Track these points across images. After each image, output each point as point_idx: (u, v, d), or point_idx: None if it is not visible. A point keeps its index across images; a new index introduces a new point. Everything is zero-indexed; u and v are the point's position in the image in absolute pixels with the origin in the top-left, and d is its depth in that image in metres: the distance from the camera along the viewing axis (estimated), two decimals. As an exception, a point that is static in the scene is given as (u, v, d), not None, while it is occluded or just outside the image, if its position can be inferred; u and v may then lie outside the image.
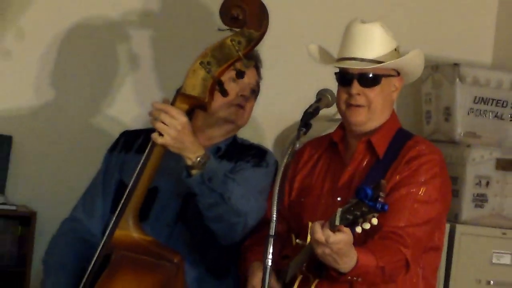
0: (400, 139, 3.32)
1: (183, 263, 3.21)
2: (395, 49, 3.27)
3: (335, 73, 3.29)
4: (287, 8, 4.89)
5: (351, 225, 2.72)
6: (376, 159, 3.26)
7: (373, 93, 3.23)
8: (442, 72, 4.63)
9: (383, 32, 3.26)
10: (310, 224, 3.00)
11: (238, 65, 3.26)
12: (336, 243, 2.78)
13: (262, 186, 3.47)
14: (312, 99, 3.13)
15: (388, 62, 3.21)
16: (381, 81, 3.24)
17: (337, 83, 3.27)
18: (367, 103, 3.23)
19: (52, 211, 4.13)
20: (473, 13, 5.22)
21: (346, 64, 3.24)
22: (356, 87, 3.20)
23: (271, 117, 4.80)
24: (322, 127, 4.01)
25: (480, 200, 4.53)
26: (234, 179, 3.34)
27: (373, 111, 3.26)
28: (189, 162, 3.17)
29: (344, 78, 3.23)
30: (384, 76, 3.23)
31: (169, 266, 3.20)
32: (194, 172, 3.17)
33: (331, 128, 3.60)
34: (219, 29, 3.24)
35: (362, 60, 3.22)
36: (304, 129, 3.03)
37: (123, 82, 4.72)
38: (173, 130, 3.14)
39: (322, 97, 3.17)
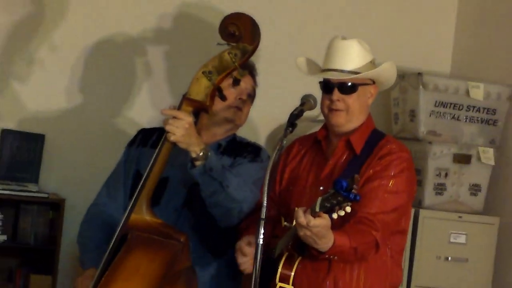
0: (374, 138, 3.38)
1: (188, 242, 3.26)
2: (371, 62, 3.33)
3: (319, 82, 3.35)
4: (279, 26, 4.96)
5: (329, 211, 2.80)
6: (354, 155, 3.31)
7: (351, 99, 3.29)
8: (408, 80, 4.70)
9: (360, 47, 3.33)
10: (296, 209, 3.01)
11: (235, 73, 3.33)
12: (315, 227, 2.86)
13: (257, 178, 3.50)
14: (297, 103, 3.22)
15: (363, 74, 3.28)
16: (358, 89, 3.30)
17: (320, 91, 3.34)
18: (346, 108, 3.29)
19: (79, 198, 4.22)
20: (434, 29, 5.28)
21: (328, 75, 3.31)
22: (336, 94, 3.26)
23: (264, 118, 4.86)
24: (307, 127, 4.12)
25: (439, 188, 4.62)
26: (231, 171, 3.40)
27: (351, 115, 3.31)
28: (193, 155, 3.23)
29: (327, 86, 3.30)
30: (360, 85, 3.30)
31: (176, 244, 3.24)
32: (197, 163, 3.24)
33: (315, 128, 3.70)
34: (218, 44, 3.31)
35: (342, 71, 3.28)
36: (290, 129, 3.11)
37: (140, 89, 4.79)
38: (182, 129, 3.21)
39: (305, 101, 3.24)
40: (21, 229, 4.50)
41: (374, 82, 3.37)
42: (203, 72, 3.29)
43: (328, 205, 2.77)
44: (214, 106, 3.43)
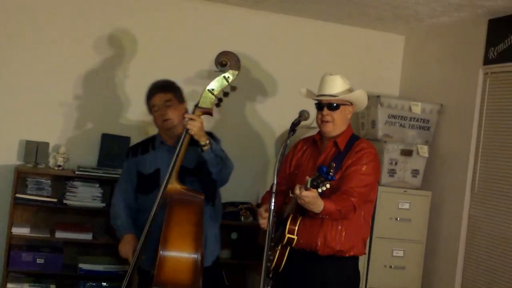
0: (353, 140, 3.48)
1: (204, 198, 3.45)
2: (349, 89, 3.47)
3: (315, 104, 3.50)
4: (285, 63, 5.10)
5: (316, 187, 2.95)
6: (339, 151, 3.44)
7: (336, 114, 3.44)
8: (371, 100, 4.45)
9: (341, 80, 3.47)
10: (296, 186, 3.16)
11: (228, 88, 3.49)
12: (306, 197, 3.04)
13: (225, 151, 3.60)
14: (296, 116, 3.31)
15: (341, 96, 3.42)
16: (340, 108, 3.44)
17: (314, 108, 3.48)
18: (332, 120, 3.44)
19: None
20: (388, 66, 5.39)
21: (321, 98, 3.46)
22: (325, 111, 3.44)
23: (275, 126, 5.04)
24: (304, 131, 4.30)
25: (391, 172, 4.75)
26: (223, 150, 3.54)
27: (336, 124, 3.45)
28: (202, 143, 3.41)
29: (319, 106, 3.47)
30: (342, 105, 3.44)
31: (199, 200, 3.42)
32: (205, 148, 3.41)
33: (309, 132, 3.90)
34: (215, 71, 3.49)
35: (330, 96, 3.43)
36: (292, 133, 3.25)
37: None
38: (197, 127, 3.38)
39: (302, 114, 3.31)
40: None
41: (351, 104, 3.49)
42: (208, 90, 3.46)
43: (315, 183, 2.93)
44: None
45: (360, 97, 3.52)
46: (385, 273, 4.71)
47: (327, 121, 3.46)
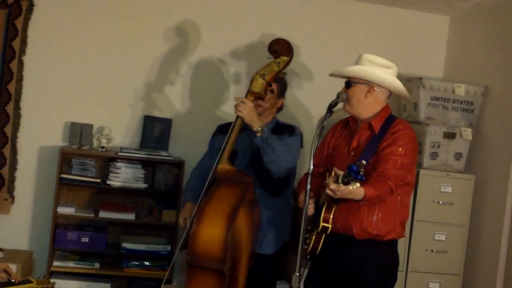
0: (389, 121, 3.38)
1: (253, 181, 3.55)
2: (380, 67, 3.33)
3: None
4: (326, 45, 5.10)
5: (346, 184, 2.89)
6: (373, 133, 3.35)
7: (350, 92, 3.34)
8: (412, 82, 4.77)
9: (367, 58, 3.34)
10: (327, 179, 3.10)
11: (278, 74, 3.67)
12: (339, 191, 2.97)
13: (294, 146, 3.74)
14: (334, 97, 3.33)
15: (337, 71, 3.38)
16: (353, 86, 3.34)
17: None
18: (347, 98, 3.36)
19: (193, 161, 4.24)
20: (432, 47, 5.28)
21: (333, 74, 3.42)
22: (343, 89, 3.38)
23: (315, 108, 5.00)
24: (345, 113, 4.10)
25: (434, 155, 4.70)
26: (279, 140, 3.61)
27: (350, 104, 3.36)
28: (254, 129, 3.53)
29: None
30: (355, 83, 3.33)
31: (246, 182, 3.51)
32: (258, 134, 3.52)
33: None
34: (268, 57, 3.67)
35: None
36: (329, 114, 3.24)
37: (231, 90, 4.97)
38: (247, 110, 3.52)
39: (339, 95, 3.34)
40: (156, 180, 4.69)
41: (372, 83, 3.32)
42: (259, 75, 3.61)
43: (346, 180, 2.88)
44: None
45: (364, 74, 3.34)
46: (426, 257, 4.66)
47: (346, 99, 3.40)
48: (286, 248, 3.90)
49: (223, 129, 3.92)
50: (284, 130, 3.81)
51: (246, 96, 3.61)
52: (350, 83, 3.38)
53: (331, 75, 3.48)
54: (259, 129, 3.52)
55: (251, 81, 3.63)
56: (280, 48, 3.62)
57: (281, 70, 3.63)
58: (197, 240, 3.28)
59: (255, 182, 3.62)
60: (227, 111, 4.83)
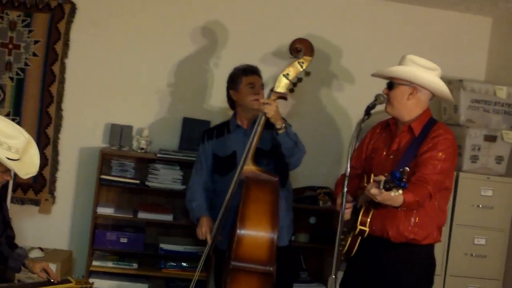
0: (430, 124, 3.36)
1: (278, 179, 3.60)
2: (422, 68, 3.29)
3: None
4: (366, 47, 5.06)
5: (388, 190, 2.85)
6: (413, 136, 3.32)
7: (392, 94, 3.32)
8: (453, 84, 4.69)
9: (410, 59, 3.32)
10: (372, 176, 3.11)
11: (302, 73, 3.63)
12: (379, 196, 2.94)
13: (298, 137, 3.73)
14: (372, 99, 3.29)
15: (379, 71, 3.36)
16: (395, 87, 3.30)
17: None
18: (388, 99, 3.33)
19: None
20: (473, 51, 5.24)
21: (374, 75, 3.41)
22: (384, 90, 3.34)
23: (352, 111, 4.96)
24: (384, 116, 3.97)
25: (474, 158, 4.66)
26: (297, 135, 3.70)
27: (392, 105, 3.33)
28: (278, 126, 3.58)
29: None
30: (398, 84, 3.30)
31: (275, 181, 3.57)
32: (280, 131, 3.58)
33: (388, 116, 3.56)
34: (290, 57, 3.66)
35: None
36: (366, 116, 3.20)
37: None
38: (273, 110, 3.55)
39: (377, 98, 3.29)
40: None
41: (416, 85, 3.28)
42: (283, 75, 3.61)
43: (388, 186, 2.84)
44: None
45: (409, 75, 3.30)
46: (465, 261, 4.62)
47: (387, 101, 3.37)
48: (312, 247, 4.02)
49: (211, 134, 3.97)
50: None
51: (269, 96, 3.63)
52: (392, 84, 3.35)
53: (373, 75, 3.47)
54: (282, 126, 3.58)
55: (275, 81, 3.64)
56: (303, 48, 3.62)
57: (304, 70, 3.62)
58: (243, 245, 3.31)
59: None
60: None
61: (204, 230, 3.79)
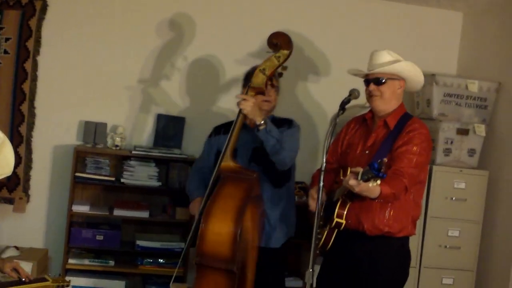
0: (404, 119, 3.44)
1: (258, 176, 3.52)
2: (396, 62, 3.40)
3: (363, 81, 3.48)
4: (335, 45, 5.07)
5: (366, 181, 2.89)
6: (389, 130, 3.41)
7: (383, 88, 3.39)
8: (426, 79, 4.05)
9: (387, 54, 3.43)
10: (349, 169, 3.22)
11: (279, 69, 3.62)
12: (357, 187, 2.99)
13: (294, 137, 3.74)
14: (346, 94, 3.32)
15: (380, 69, 3.36)
16: (387, 82, 3.38)
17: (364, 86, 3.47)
18: (380, 94, 3.40)
19: None
20: (445, 45, 5.27)
21: (362, 73, 3.46)
22: (371, 86, 3.41)
23: (327, 106, 5.01)
24: (358, 111, 4.15)
25: (447, 152, 4.71)
26: (282, 132, 3.64)
27: (384, 99, 3.41)
28: (257, 123, 3.52)
29: (366, 82, 3.45)
30: (389, 79, 3.39)
31: (251, 178, 3.46)
32: (260, 128, 3.53)
33: (362, 111, 3.78)
34: (267, 52, 3.62)
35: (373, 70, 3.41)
36: (341, 111, 3.24)
37: (233, 89, 4.73)
38: (250, 106, 3.50)
39: (352, 93, 3.31)
40: (170, 178, 4.71)
41: (401, 79, 3.41)
42: (259, 70, 3.57)
43: (366, 177, 2.88)
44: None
45: (405, 69, 3.43)
46: (440, 253, 4.67)
47: (375, 95, 3.44)
48: (291, 242, 3.92)
49: (219, 130, 3.96)
50: (282, 123, 3.82)
51: (246, 92, 3.61)
52: (381, 80, 3.40)
53: (373, 72, 3.44)
54: (262, 122, 3.53)
55: (251, 76, 3.61)
56: (280, 42, 3.58)
57: (281, 64, 3.59)
58: (205, 241, 3.25)
59: (261, 176, 3.63)
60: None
61: (196, 206, 3.71)
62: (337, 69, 5.03)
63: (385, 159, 2.88)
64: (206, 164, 3.90)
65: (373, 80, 3.44)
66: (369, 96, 3.47)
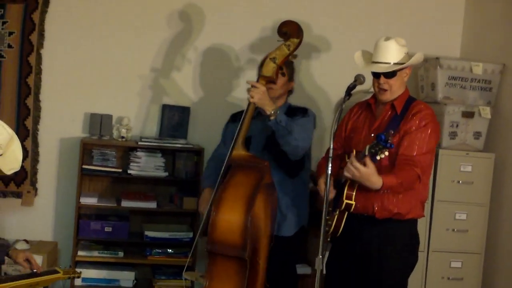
0: (409, 102, 3.49)
1: (269, 165, 3.53)
2: (406, 53, 3.46)
3: (371, 72, 3.48)
4: (340, 31, 5.08)
5: (374, 155, 2.93)
6: (395, 114, 3.45)
7: (392, 81, 3.43)
8: (429, 62, 4.76)
9: (396, 45, 3.44)
10: (353, 151, 3.23)
11: (290, 57, 3.65)
12: (357, 169, 3.08)
13: (307, 127, 3.73)
14: (352, 80, 3.37)
15: (400, 66, 3.40)
16: (397, 74, 3.43)
17: (371, 75, 3.49)
18: (389, 88, 3.44)
19: (212, 148, 4.22)
20: (448, 28, 5.25)
21: (376, 68, 3.44)
22: (382, 79, 3.43)
23: (333, 91, 4.98)
24: (362, 96, 4.25)
25: (453, 135, 4.71)
26: (293, 122, 3.61)
27: (393, 91, 3.46)
28: (268, 112, 3.52)
29: (375, 74, 3.47)
30: (398, 71, 3.44)
31: (262, 167, 3.49)
32: (271, 118, 3.51)
33: (368, 97, 3.77)
34: (278, 40, 3.65)
35: (386, 63, 3.42)
36: (347, 97, 3.29)
37: (245, 77, 4.80)
38: (258, 94, 3.50)
39: (357, 79, 3.35)
40: (177, 168, 4.74)
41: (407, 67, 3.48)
42: (270, 58, 3.59)
43: (373, 150, 2.93)
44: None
45: (417, 59, 3.48)
46: (447, 236, 4.67)
47: (384, 90, 3.46)
48: (304, 231, 3.93)
49: (236, 117, 3.95)
50: (297, 112, 3.82)
51: (257, 80, 3.61)
52: (394, 72, 3.41)
53: (395, 69, 3.44)
54: (272, 112, 3.52)
55: (262, 65, 3.63)
56: (290, 30, 3.59)
57: (292, 53, 3.60)
58: (216, 228, 3.27)
59: (273, 165, 3.63)
60: (243, 97, 4.71)
61: (203, 204, 3.77)
62: (340, 54, 5.00)
63: (392, 131, 2.92)
64: (222, 151, 3.90)
65: (383, 73, 3.44)
66: (379, 89, 3.48)
